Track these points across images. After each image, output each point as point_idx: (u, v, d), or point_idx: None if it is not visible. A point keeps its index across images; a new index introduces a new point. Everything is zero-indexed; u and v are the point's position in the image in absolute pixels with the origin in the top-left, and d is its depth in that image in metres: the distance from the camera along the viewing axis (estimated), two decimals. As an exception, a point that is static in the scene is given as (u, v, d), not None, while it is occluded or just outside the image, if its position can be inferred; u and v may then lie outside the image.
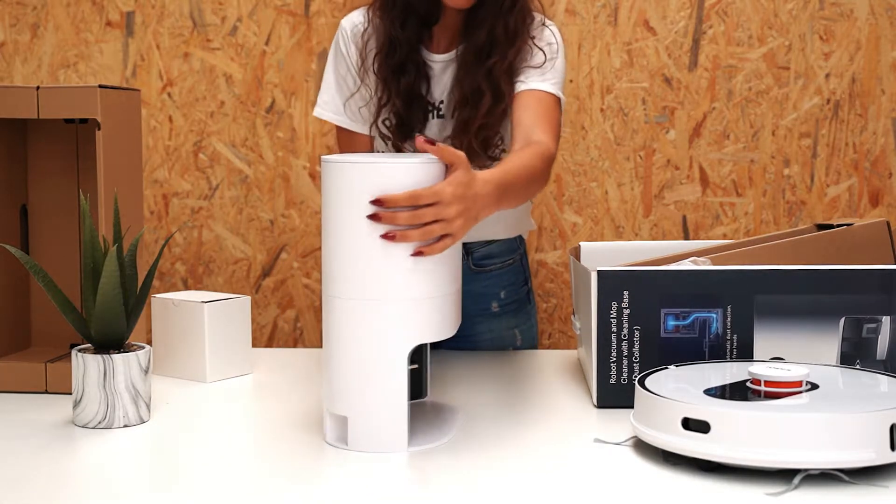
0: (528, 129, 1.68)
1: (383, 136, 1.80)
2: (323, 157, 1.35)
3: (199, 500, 1.18)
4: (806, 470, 1.18)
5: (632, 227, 2.42)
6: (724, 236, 2.41)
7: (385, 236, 1.28)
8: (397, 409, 1.31)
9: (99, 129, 1.58)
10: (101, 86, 1.58)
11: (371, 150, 1.87)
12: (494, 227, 1.91)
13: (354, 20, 1.82)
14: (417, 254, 1.29)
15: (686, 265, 1.55)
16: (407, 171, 1.29)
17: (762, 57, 2.36)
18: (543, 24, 1.79)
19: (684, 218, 2.41)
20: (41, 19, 2.44)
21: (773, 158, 2.39)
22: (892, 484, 1.18)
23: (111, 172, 1.60)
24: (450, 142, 1.76)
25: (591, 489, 1.21)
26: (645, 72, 2.38)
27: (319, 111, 1.86)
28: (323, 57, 2.40)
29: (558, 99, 1.75)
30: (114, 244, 1.41)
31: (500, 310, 1.96)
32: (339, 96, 1.83)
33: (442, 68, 1.80)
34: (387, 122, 1.79)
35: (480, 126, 1.73)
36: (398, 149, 1.79)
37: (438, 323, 1.33)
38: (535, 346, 2.01)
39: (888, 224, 1.69)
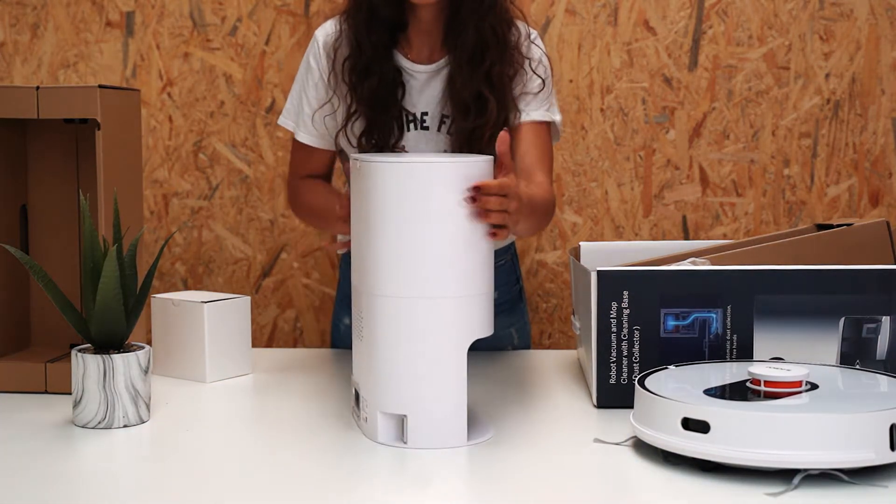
0: (530, 170, 1.72)
1: (353, 143, 1.77)
2: (361, 156, 1.36)
3: (198, 500, 1.18)
4: (806, 470, 1.18)
5: (632, 227, 2.42)
6: (724, 236, 2.41)
7: (477, 212, 1.35)
8: (459, 405, 1.35)
9: (99, 129, 1.58)
10: (101, 86, 1.58)
11: (327, 167, 1.85)
12: None
13: (327, 30, 1.80)
14: (491, 235, 1.37)
15: (686, 265, 1.55)
16: (459, 170, 1.33)
17: (762, 57, 2.36)
18: (529, 39, 1.78)
19: (684, 218, 2.41)
20: (41, 19, 2.44)
21: (773, 158, 2.39)
22: (891, 484, 1.18)
23: (111, 172, 1.60)
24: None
25: (591, 489, 1.21)
26: (645, 72, 2.38)
27: (284, 120, 1.85)
28: (323, 57, 2.41)
29: (551, 125, 1.80)
30: (114, 244, 1.41)
31: (494, 310, 1.94)
32: (306, 108, 1.80)
33: (426, 79, 1.78)
34: (354, 129, 1.76)
35: (491, 136, 1.70)
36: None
37: (488, 319, 1.38)
38: (529, 345, 2.02)
39: (888, 224, 1.69)
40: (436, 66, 1.77)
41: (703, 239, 2.38)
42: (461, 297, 1.34)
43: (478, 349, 1.94)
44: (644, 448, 1.31)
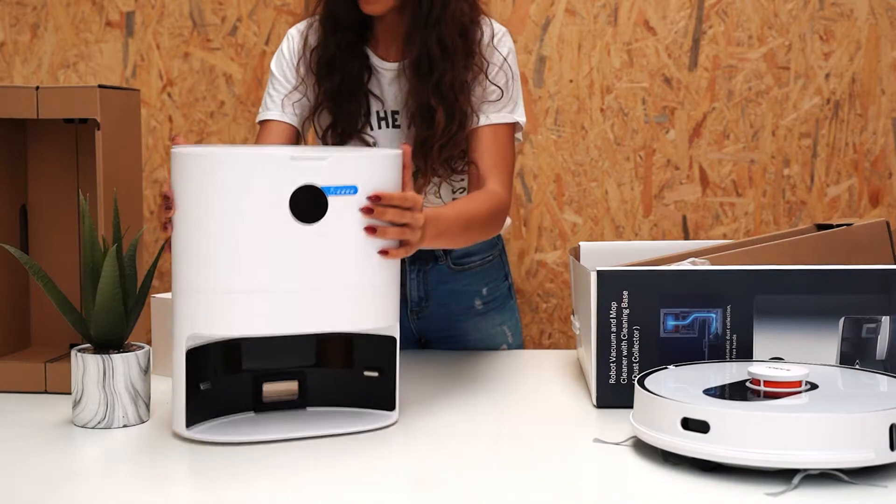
0: (484, 175, 1.73)
1: (319, 133, 1.81)
2: (177, 148, 1.37)
3: (198, 500, 1.18)
4: (805, 470, 1.18)
5: (632, 227, 2.42)
6: (724, 236, 2.41)
7: (368, 229, 1.38)
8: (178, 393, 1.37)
9: (99, 129, 1.58)
10: (100, 86, 1.58)
11: (286, 140, 1.84)
12: None
13: (300, 27, 1.84)
14: (383, 253, 1.39)
15: (686, 265, 1.55)
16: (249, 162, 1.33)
17: (762, 57, 2.36)
18: (493, 41, 1.76)
19: (684, 218, 2.41)
20: (41, 19, 2.44)
21: (773, 158, 2.39)
22: (891, 484, 1.18)
23: (111, 172, 1.60)
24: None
25: (591, 489, 1.21)
26: (645, 72, 2.38)
27: (259, 116, 1.84)
28: (323, 57, 2.41)
29: (514, 125, 1.78)
30: (113, 244, 1.41)
31: (483, 307, 1.95)
32: (279, 88, 1.81)
33: (393, 77, 1.78)
34: (321, 121, 1.79)
35: (441, 146, 1.72)
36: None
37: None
38: (522, 343, 2.02)
39: (888, 224, 1.69)
40: (400, 65, 1.78)
41: (703, 239, 2.38)
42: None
43: (470, 348, 1.95)
44: (644, 448, 1.31)
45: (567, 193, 2.42)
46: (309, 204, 1.34)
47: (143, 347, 1.46)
